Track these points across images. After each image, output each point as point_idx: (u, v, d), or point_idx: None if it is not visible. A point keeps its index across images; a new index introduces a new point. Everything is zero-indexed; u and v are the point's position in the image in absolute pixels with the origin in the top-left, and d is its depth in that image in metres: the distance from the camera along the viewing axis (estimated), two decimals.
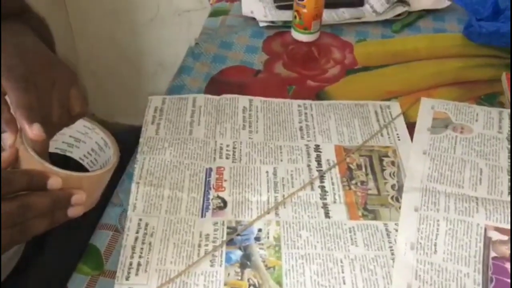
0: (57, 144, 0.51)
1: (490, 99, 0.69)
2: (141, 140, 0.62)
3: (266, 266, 0.50)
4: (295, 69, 0.74)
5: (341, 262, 0.50)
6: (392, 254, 0.51)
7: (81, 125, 0.50)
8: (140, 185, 0.56)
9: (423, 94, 0.70)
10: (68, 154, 0.52)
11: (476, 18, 0.76)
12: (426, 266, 0.50)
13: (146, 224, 0.53)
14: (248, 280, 0.49)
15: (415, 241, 0.51)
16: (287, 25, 0.80)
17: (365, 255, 0.51)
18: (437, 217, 0.53)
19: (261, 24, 0.81)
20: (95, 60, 1.41)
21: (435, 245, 0.51)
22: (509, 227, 0.52)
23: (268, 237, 0.52)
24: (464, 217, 0.53)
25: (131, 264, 0.49)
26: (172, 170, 0.58)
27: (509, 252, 0.51)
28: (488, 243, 0.51)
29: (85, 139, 0.51)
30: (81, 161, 0.52)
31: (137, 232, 0.52)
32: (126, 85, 1.47)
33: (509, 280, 0.49)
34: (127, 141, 0.61)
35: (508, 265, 0.50)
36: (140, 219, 0.53)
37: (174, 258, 0.50)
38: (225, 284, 0.48)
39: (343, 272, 0.50)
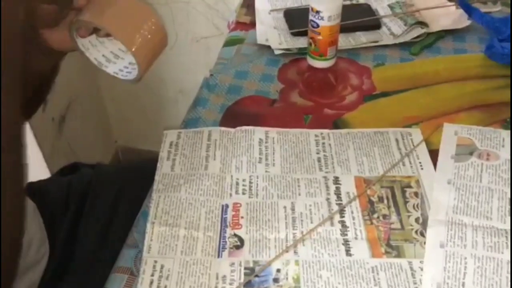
0: (96, 55, 0.52)
1: None
2: (156, 177, 0.61)
3: None
4: (312, 97, 0.73)
5: None
6: None
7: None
8: (155, 225, 0.55)
9: (444, 119, 0.67)
10: (104, 68, 0.53)
11: (498, 39, 0.74)
12: None
13: (162, 266, 0.52)
14: None
15: (441, 281, 0.49)
16: (302, 51, 0.79)
17: None
18: (465, 254, 0.51)
19: (276, 52, 0.80)
20: (117, 88, 1.42)
21: (463, 285, 0.48)
22: None
23: (287, 278, 0.51)
24: (494, 254, 0.50)
25: None
26: (188, 208, 0.57)
27: None
28: None
29: (124, 56, 0.52)
30: (115, 75, 0.53)
31: (152, 275, 0.51)
32: (147, 113, 1.48)
33: None
34: (148, 172, 0.61)
35: None
36: (156, 261, 0.52)
37: None
38: None
39: None
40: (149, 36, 0.50)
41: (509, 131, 0.64)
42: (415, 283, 0.50)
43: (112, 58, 0.53)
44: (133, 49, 0.49)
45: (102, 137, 1.50)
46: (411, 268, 0.51)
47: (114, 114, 1.49)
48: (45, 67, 0.54)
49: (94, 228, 0.68)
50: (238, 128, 0.67)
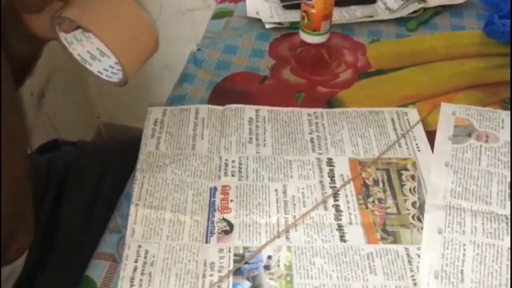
0: (80, 50, 0.48)
1: None
2: (140, 156, 0.57)
3: None
4: (304, 74, 0.69)
5: None
6: (415, 284, 0.47)
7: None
8: (139, 208, 0.52)
9: (442, 99, 0.65)
10: (87, 66, 0.49)
11: (498, 16, 0.71)
12: None
13: (146, 252, 0.49)
14: None
15: (439, 269, 0.47)
16: (294, 26, 0.76)
17: (385, 285, 0.47)
18: (463, 241, 0.49)
19: (267, 26, 0.77)
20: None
21: (461, 273, 0.47)
22: None
23: (278, 265, 0.48)
24: (493, 241, 0.48)
25: None
26: (174, 190, 0.54)
27: None
28: None
29: (111, 55, 0.47)
30: (99, 74, 0.49)
31: (136, 261, 0.48)
32: (131, 88, 1.43)
33: None
34: (132, 150, 0.58)
35: None
36: (140, 246, 0.49)
37: None
38: None
39: None
40: (136, 38, 0.46)
41: (509, 112, 0.62)
42: (412, 271, 0.48)
43: (98, 55, 0.49)
44: (118, 51, 0.44)
45: (84, 112, 1.45)
46: (408, 255, 0.49)
47: (97, 88, 1.44)
48: (26, 51, 0.50)
49: (76, 210, 0.65)
50: (227, 106, 0.64)
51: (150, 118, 0.62)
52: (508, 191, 0.53)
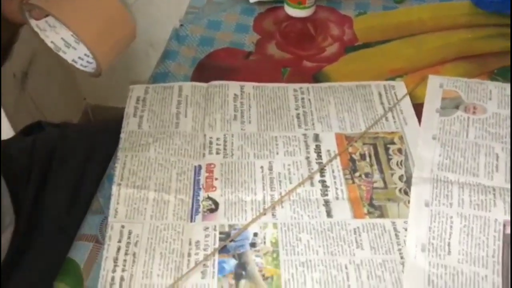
0: (54, 38, 0.46)
1: (504, 73, 0.63)
2: (122, 135, 0.56)
3: (263, 276, 0.45)
4: (290, 49, 0.68)
5: (346, 268, 0.46)
6: (402, 257, 0.46)
7: None
8: (121, 187, 0.51)
9: (430, 71, 0.64)
10: (61, 54, 0.46)
11: None
12: (439, 270, 0.45)
13: (130, 232, 0.48)
14: None
15: (426, 242, 0.47)
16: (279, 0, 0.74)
17: (372, 259, 0.46)
18: (450, 213, 0.48)
19: (252, 0, 0.75)
20: None
21: (448, 245, 0.46)
22: None
23: (264, 242, 0.48)
24: (481, 212, 0.48)
25: (113, 279, 0.45)
26: (157, 169, 0.53)
27: None
28: (507, 241, 0.46)
29: None
30: (73, 63, 0.47)
31: (119, 241, 0.47)
32: (117, 68, 1.40)
33: None
34: (119, 132, 0.56)
35: None
36: (123, 226, 0.48)
37: (161, 271, 0.45)
38: None
39: (348, 280, 0.45)
40: (110, 26, 0.43)
41: (496, 83, 0.61)
42: (399, 244, 0.47)
43: (73, 42, 0.47)
44: (89, 41, 0.42)
45: (69, 94, 1.43)
46: (395, 229, 0.49)
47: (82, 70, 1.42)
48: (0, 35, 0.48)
49: (61, 193, 0.64)
50: (211, 82, 0.63)
51: (132, 96, 0.61)
52: (496, 162, 0.52)
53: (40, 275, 0.48)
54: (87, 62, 0.47)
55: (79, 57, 0.47)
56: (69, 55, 0.47)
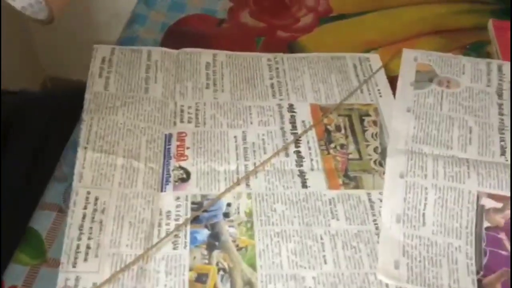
0: None
1: (477, 49, 0.64)
2: (86, 96, 0.53)
3: (237, 246, 0.44)
4: (264, 18, 0.66)
5: (321, 238, 0.45)
6: (377, 228, 0.46)
7: None
8: (88, 151, 0.48)
9: (404, 44, 0.63)
10: (9, 1, 0.43)
11: None
12: (414, 241, 0.45)
13: (96, 199, 0.45)
14: (217, 263, 0.43)
15: (401, 213, 0.46)
16: None
17: (347, 230, 0.46)
18: (425, 184, 0.48)
19: None
20: None
21: (423, 216, 0.46)
22: (503, 193, 0.47)
23: (238, 213, 0.46)
24: (455, 184, 0.48)
25: (78, 247, 0.42)
26: (126, 135, 0.50)
27: (503, 221, 0.46)
28: (480, 212, 0.47)
29: None
30: (23, 10, 0.44)
31: (85, 208, 0.45)
32: (77, 39, 1.34)
33: (503, 252, 0.44)
34: (82, 101, 0.53)
35: (502, 236, 0.45)
36: (89, 192, 0.46)
37: (130, 241, 0.43)
38: (190, 269, 0.42)
39: (323, 251, 0.44)
40: None
41: (469, 58, 0.61)
42: (373, 215, 0.47)
43: None
44: None
45: (27, 65, 1.36)
46: (370, 200, 0.48)
47: (41, 39, 1.35)
48: None
49: (19, 163, 0.60)
50: (182, 49, 0.60)
51: (96, 56, 0.57)
52: (469, 135, 0.53)
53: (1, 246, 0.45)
54: (39, 8, 0.44)
55: (29, 4, 0.44)
56: (18, 2, 0.43)
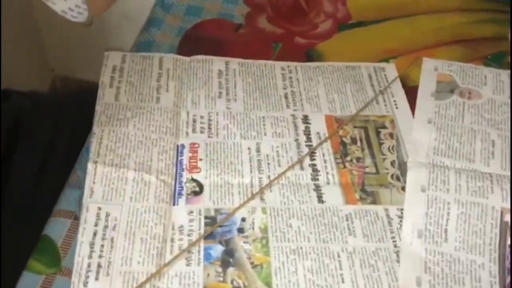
0: None
1: (498, 59, 0.62)
2: (97, 107, 0.52)
3: (252, 263, 0.42)
4: (281, 23, 0.64)
5: (339, 256, 0.43)
6: (395, 246, 0.44)
7: None
8: (98, 165, 0.47)
9: (423, 53, 0.61)
10: (50, 4, 0.43)
11: None
12: (436, 257, 0.43)
13: (107, 214, 0.44)
14: (232, 281, 0.41)
15: (423, 228, 0.45)
16: None
17: (365, 247, 0.44)
18: (448, 199, 0.46)
19: None
20: (53, 10, 1.26)
21: (445, 231, 0.45)
22: None
23: (253, 228, 0.45)
24: (478, 199, 0.46)
25: (89, 265, 0.41)
26: (137, 147, 0.49)
27: None
28: (504, 228, 0.45)
29: None
30: (63, 14, 0.44)
31: (95, 225, 0.43)
32: (88, 40, 1.34)
33: None
34: (92, 102, 0.53)
35: None
36: (100, 208, 0.44)
37: (142, 257, 0.42)
38: (204, 287, 0.41)
39: (341, 269, 0.42)
40: None
41: (491, 68, 0.59)
42: (392, 232, 0.45)
43: None
44: None
45: (37, 65, 1.36)
46: (388, 216, 0.46)
47: (50, 39, 1.34)
48: None
49: (29, 165, 0.60)
50: (194, 57, 0.59)
51: (107, 64, 0.56)
52: (492, 149, 0.51)
53: (11, 253, 0.44)
54: (78, 13, 0.44)
55: (69, 8, 0.43)
56: (59, 6, 0.43)
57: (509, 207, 0.46)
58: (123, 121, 0.51)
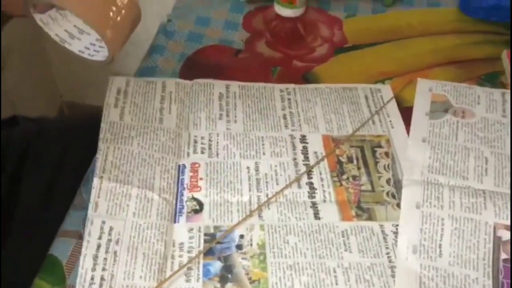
0: (57, 30, 0.45)
1: (491, 79, 0.63)
2: (102, 125, 0.54)
3: (250, 279, 0.44)
4: (280, 48, 0.67)
5: (334, 272, 0.44)
6: (390, 261, 0.45)
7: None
8: (103, 180, 0.49)
9: (418, 75, 0.63)
10: (66, 46, 0.45)
11: None
12: (431, 272, 0.44)
13: (111, 228, 0.46)
14: None
15: (417, 244, 0.46)
16: None
17: (360, 263, 0.45)
18: (442, 215, 0.47)
19: None
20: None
21: (440, 247, 0.45)
22: None
23: (251, 244, 0.46)
24: (471, 215, 0.47)
25: (92, 278, 0.42)
26: (141, 165, 0.51)
27: None
28: (498, 243, 0.46)
29: (90, 31, 0.44)
30: (80, 54, 0.45)
31: (99, 238, 0.45)
32: (94, 66, 1.37)
33: None
34: (98, 128, 0.54)
35: None
36: (103, 222, 0.46)
37: (144, 272, 0.43)
38: None
39: (337, 284, 0.44)
40: (116, 8, 0.42)
41: (484, 88, 0.61)
42: (387, 248, 0.46)
43: (76, 33, 0.45)
44: (96, 24, 0.41)
45: (45, 91, 1.39)
46: (383, 232, 0.48)
47: (58, 66, 1.38)
48: None
49: (36, 189, 0.61)
50: (196, 80, 0.61)
51: (112, 88, 0.58)
52: (485, 166, 0.52)
53: (18, 272, 0.46)
54: (94, 51, 0.45)
55: (85, 47, 0.45)
56: (75, 46, 0.45)
57: (502, 222, 0.47)
58: (127, 139, 0.53)
